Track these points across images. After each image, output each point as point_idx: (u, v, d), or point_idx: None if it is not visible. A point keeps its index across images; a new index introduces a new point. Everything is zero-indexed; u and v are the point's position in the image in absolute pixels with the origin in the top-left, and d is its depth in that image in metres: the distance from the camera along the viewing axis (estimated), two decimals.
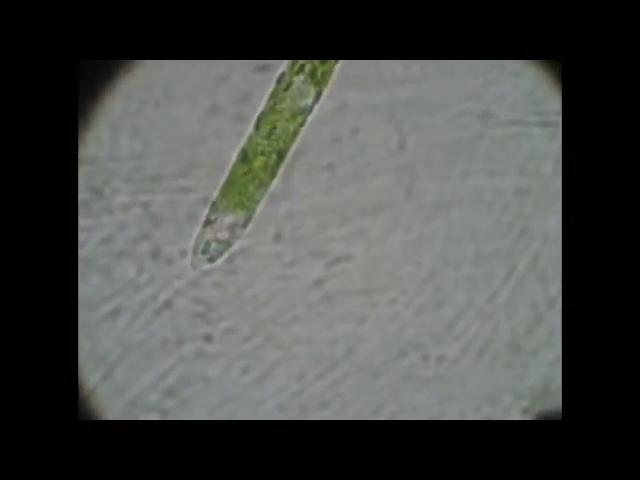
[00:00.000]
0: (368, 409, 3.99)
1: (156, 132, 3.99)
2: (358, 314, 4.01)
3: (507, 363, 4.01)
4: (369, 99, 4.03)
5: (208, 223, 3.95)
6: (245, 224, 3.96)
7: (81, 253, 3.98)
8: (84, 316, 3.95)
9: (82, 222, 3.98)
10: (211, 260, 3.96)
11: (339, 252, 4.01)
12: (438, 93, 4.04)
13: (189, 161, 4.01)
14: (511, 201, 4.05)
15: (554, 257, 3.99)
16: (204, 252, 3.96)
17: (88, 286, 3.97)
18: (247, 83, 4.01)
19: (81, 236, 3.98)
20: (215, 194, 3.97)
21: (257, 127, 3.93)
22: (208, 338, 3.99)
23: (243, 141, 3.94)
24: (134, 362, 3.95)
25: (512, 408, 3.97)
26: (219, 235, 3.96)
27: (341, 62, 3.96)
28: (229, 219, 3.95)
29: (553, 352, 3.97)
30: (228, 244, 3.98)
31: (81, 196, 3.97)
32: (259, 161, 3.92)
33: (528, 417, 3.86)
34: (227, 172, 3.98)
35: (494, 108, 4.04)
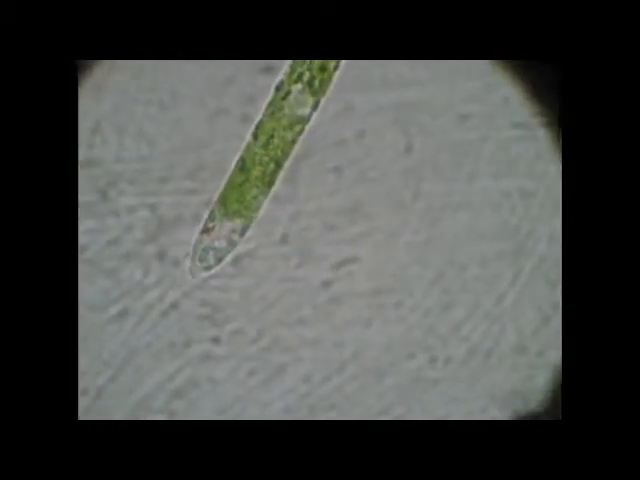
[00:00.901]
0: (375, 411, 3.97)
1: (162, 134, 3.96)
2: (365, 316, 3.99)
3: (514, 364, 4.01)
4: (375, 101, 4.03)
5: (205, 231, 3.93)
6: (243, 232, 3.95)
7: (87, 255, 3.95)
8: (90, 318, 3.93)
9: (88, 224, 3.95)
10: (208, 268, 3.95)
11: (346, 254, 3.98)
12: (444, 95, 4.04)
13: (196, 163, 3.98)
14: (517, 203, 4.04)
15: (560, 259, 3.93)
16: (201, 260, 3.94)
17: (94, 288, 3.95)
18: (253, 85, 3.99)
19: (87, 238, 3.96)
20: (213, 202, 3.97)
21: (255, 136, 3.91)
22: (215, 340, 3.96)
23: (241, 149, 3.92)
24: (141, 364, 3.92)
25: (518, 410, 3.97)
26: (217, 243, 3.94)
27: (346, 65, 3.94)
28: (227, 227, 3.94)
29: (559, 353, 3.89)
30: (226, 251, 3.96)
31: (87, 198, 3.95)
32: (257, 170, 3.91)
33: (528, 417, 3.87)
34: (225, 179, 3.98)
35: (498, 110, 4.05)
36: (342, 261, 3.98)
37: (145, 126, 3.95)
